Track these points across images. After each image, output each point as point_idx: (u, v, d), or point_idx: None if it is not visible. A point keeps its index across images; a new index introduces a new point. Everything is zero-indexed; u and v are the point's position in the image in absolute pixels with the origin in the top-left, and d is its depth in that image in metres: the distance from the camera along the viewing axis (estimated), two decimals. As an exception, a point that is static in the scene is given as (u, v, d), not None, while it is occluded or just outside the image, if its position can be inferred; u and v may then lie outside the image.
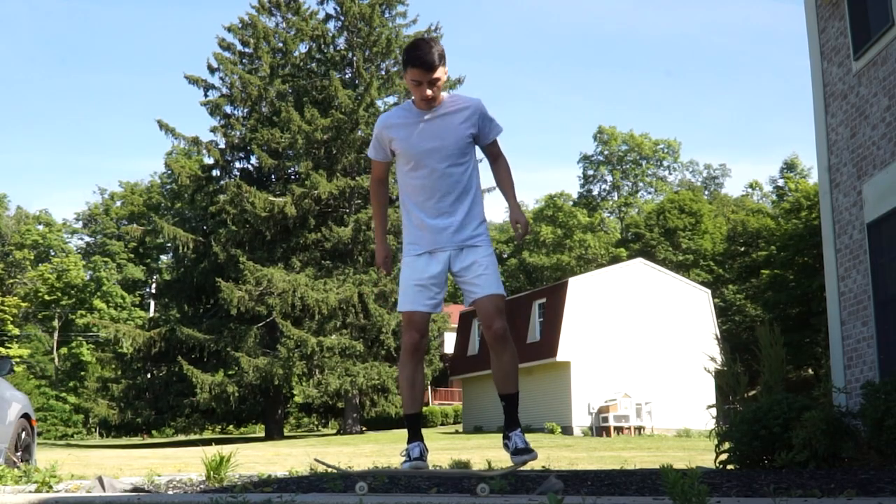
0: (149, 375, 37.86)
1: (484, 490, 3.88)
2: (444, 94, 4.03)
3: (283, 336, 31.96)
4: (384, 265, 4.36)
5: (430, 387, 43.53)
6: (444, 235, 4.01)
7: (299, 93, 36.38)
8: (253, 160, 37.21)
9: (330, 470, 4.62)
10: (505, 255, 64.83)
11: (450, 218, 4.01)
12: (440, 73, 3.91)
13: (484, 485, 3.91)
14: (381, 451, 18.64)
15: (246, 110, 37.09)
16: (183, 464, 11.69)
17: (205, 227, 37.52)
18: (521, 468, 4.27)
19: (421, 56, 3.86)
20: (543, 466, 7.82)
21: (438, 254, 4.04)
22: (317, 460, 4.66)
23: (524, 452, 3.96)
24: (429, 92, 3.88)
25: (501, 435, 4.18)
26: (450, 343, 39.35)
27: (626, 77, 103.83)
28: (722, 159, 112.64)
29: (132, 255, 63.81)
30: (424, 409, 44.00)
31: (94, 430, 54.13)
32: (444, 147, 3.97)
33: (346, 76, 36.40)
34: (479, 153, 4.16)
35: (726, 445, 7.15)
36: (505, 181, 4.19)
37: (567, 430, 30.02)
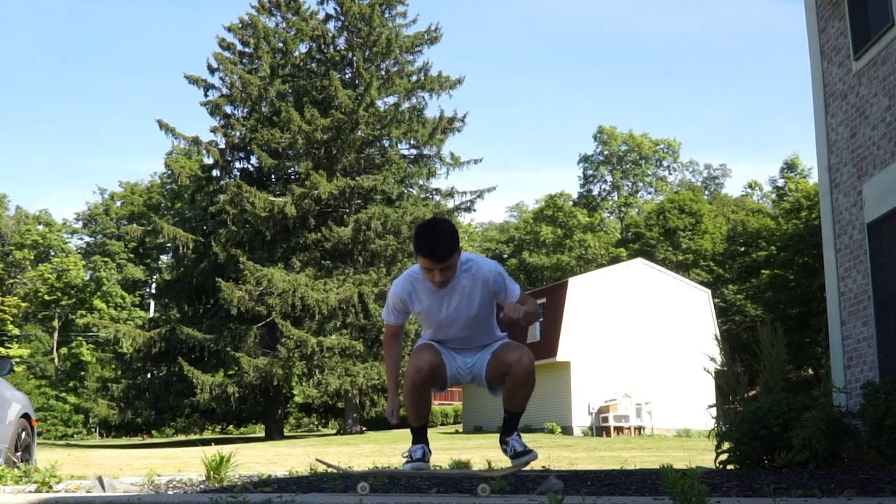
0: (149, 375, 37.87)
1: (485, 490, 3.89)
2: (461, 259, 3.95)
3: (283, 336, 31.96)
4: (392, 415, 4.30)
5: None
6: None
7: (299, 93, 36.38)
8: (253, 160, 37.21)
9: (331, 470, 4.63)
10: (505, 256, 64.86)
11: (470, 355, 4.17)
12: (452, 259, 3.82)
13: (485, 485, 3.93)
14: (381, 451, 18.65)
15: (246, 110, 37.09)
16: (183, 464, 11.69)
17: (205, 227, 37.52)
18: (523, 468, 4.29)
19: (431, 248, 3.77)
20: (543, 466, 7.82)
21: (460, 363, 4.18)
22: (318, 460, 4.66)
23: (524, 454, 3.99)
24: (439, 278, 3.85)
25: (499, 440, 4.22)
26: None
27: (626, 77, 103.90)
28: (722, 159, 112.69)
29: (132, 255, 63.80)
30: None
31: (94, 430, 54.13)
32: (460, 318, 4.01)
33: (346, 76, 36.40)
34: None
35: (726, 445, 7.15)
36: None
37: (567, 430, 30.02)
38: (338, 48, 37.02)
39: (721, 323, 40.89)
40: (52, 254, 63.11)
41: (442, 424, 42.39)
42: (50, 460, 6.05)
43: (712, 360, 8.37)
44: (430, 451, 4.19)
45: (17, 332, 57.02)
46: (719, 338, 9.08)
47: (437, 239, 3.77)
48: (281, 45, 37.32)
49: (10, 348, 52.93)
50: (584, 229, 61.51)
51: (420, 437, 4.19)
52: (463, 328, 4.04)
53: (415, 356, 4.01)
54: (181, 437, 42.90)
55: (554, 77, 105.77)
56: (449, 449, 17.05)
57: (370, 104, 34.30)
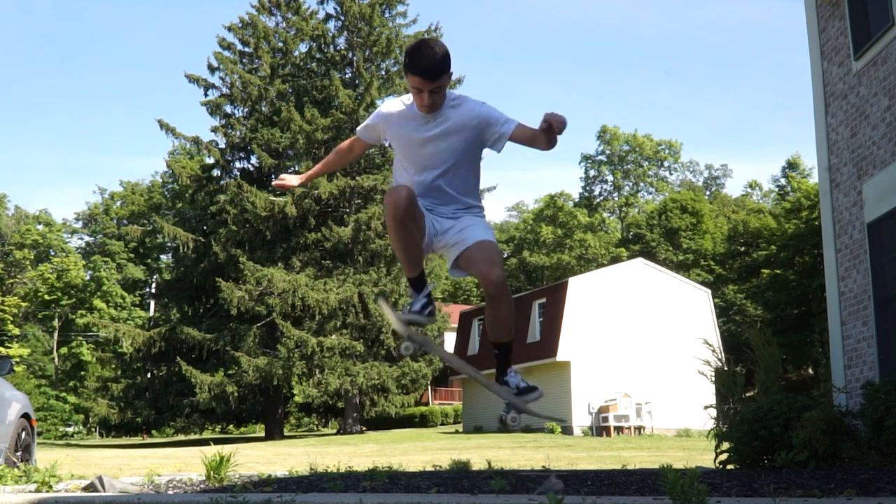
0: (149, 375, 37.87)
1: (515, 420, 3.86)
2: (449, 93, 3.78)
3: (283, 336, 31.96)
4: (282, 179, 4.26)
5: (430, 387, 43.50)
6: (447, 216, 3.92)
7: (299, 93, 36.39)
8: (253, 160, 37.22)
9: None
10: (505, 255, 64.86)
11: (441, 208, 3.91)
12: (443, 80, 3.65)
13: (515, 414, 3.89)
14: (382, 450, 18.67)
15: (246, 110, 37.10)
16: (183, 464, 11.69)
17: (205, 227, 37.53)
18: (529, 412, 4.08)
19: (422, 64, 3.61)
20: (543, 466, 7.82)
21: (438, 217, 3.92)
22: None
23: (529, 391, 3.88)
24: (428, 101, 3.67)
25: (494, 379, 4.06)
26: (450, 343, 39.34)
27: (625, 77, 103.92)
28: (722, 159, 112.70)
29: (132, 255, 63.81)
30: (424, 409, 44.07)
31: (94, 429, 54.13)
32: (440, 159, 3.80)
33: (347, 76, 36.40)
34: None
35: (726, 445, 7.15)
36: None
37: (567, 430, 30.01)
38: (338, 48, 37.03)
39: (722, 323, 40.92)
40: (52, 254, 63.11)
41: (442, 424, 42.40)
42: (50, 460, 6.05)
43: (707, 363, 8.37)
44: (432, 304, 3.96)
45: (17, 331, 57.02)
46: (712, 340, 9.08)
47: (430, 55, 3.61)
48: (281, 44, 37.33)
49: (10, 348, 52.92)
50: (585, 229, 61.54)
51: (418, 287, 3.95)
52: (442, 171, 3.81)
53: (389, 193, 3.75)
54: (181, 437, 42.90)
55: (553, 77, 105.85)
56: (449, 449, 17.06)
57: (370, 104, 34.29)
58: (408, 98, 3.83)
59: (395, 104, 3.88)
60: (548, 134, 3.59)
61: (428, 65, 3.60)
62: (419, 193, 3.86)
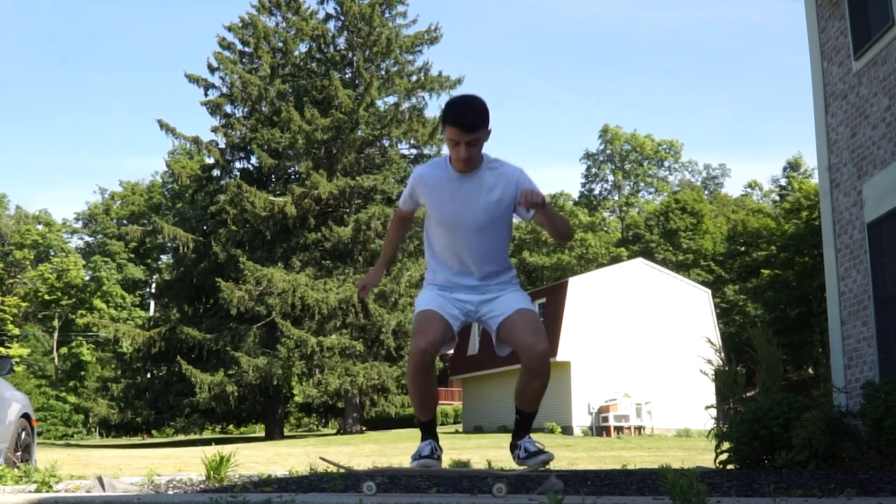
0: (149, 375, 37.87)
1: (501, 490, 3.75)
2: (487, 155, 3.76)
3: (283, 336, 31.97)
4: (363, 289, 4.17)
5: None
6: (467, 289, 3.90)
7: (299, 93, 36.39)
8: (253, 160, 37.23)
9: (336, 469, 4.59)
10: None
11: (475, 281, 3.88)
12: (480, 134, 3.61)
13: (500, 485, 3.78)
14: (382, 451, 18.66)
15: (246, 110, 37.10)
16: (183, 464, 11.69)
17: (205, 227, 37.53)
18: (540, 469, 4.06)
19: (460, 115, 3.59)
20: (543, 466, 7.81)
21: (465, 303, 3.90)
22: (322, 458, 4.64)
23: (537, 454, 3.84)
24: (464, 153, 3.61)
25: (510, 445, 4.03)
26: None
27: (625, 76, 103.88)
28: (721, 159, 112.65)
29: (132, 255, 63.82)
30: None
31: (94, 430, 54.15)
32: (473, 218, 3.76)
33: (347, 76, 36.41)
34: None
35: (726, 445, 7.15)
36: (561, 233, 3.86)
37: (567, 430, 30.02)
38: (338, 48, 37.03)
39: (722, 323, 40.92)
40: (52, 254, 63.12)
41: (442, 424, 42.41)
42: (50, 460, 6.05)
43: (709, 361, 8.37)
44: (439, 448, 3.98)
45: (17, 331, 57.02)
46: (714, 339, 9.09)
47: (468, 108, 3.62)
48: (281, 44, 37.33)
49: (10, 348, 52.93)
50: (585, 229, 61.56)
51: (428, 433, 3.98)
52: (473, 233, 3.77)
53: (414, 335, 3.76)
54: (181, 437, 42.90)
55: (553, 77, 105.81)
56: (449, 449, 17.04)
57: (370, 104, 34.31)
58: (441, 161, 3.83)
59: (429, 167, 3.88)
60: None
61: (466, 117, 3.59)
62: (447, 266, 3.89)
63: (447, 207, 3.79)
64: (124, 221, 63.88)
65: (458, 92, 47.95)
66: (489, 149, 3.79)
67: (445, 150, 3.97)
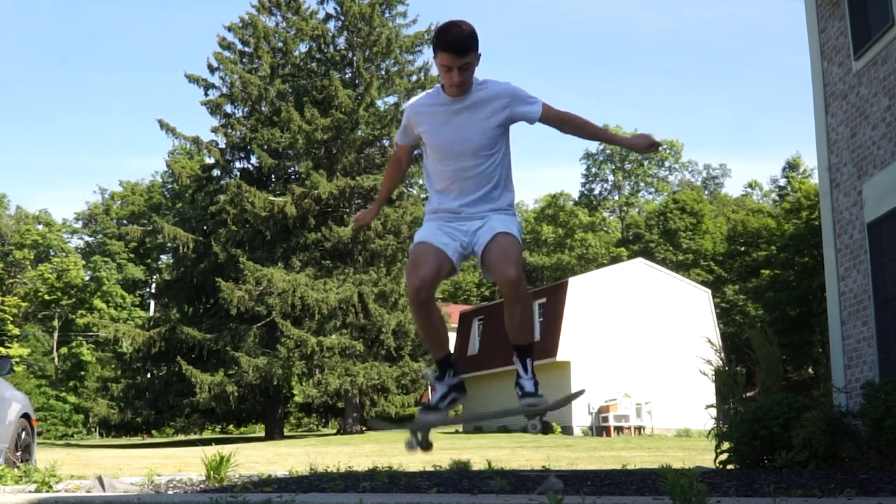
0: (149, 375, 37.86)
1: (535, 427, 3.79)
2: (475, 78, 3.77)
3: (283, 336, 31.95)
4: (357, 219, 4.24)
5: (430, 387, 43.55)
6: (471, 209, 3.86)
7: (299, 93, 36.38)
8: (253, 160, 37.21)
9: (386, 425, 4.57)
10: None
11: (472, 208, 3.84)
12: (471, 57, 3.66)
13: (535, 421, 3.79)
14: (382, 450, 18.66)
15: (246, 110, 37.09)
16: (183, 464, 11.69)
17: (205, 227, 37.52)
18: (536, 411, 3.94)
19: (451, 39, 3.62)
20: (543, 466, 7.82)
21: (465, 222, 3.86)
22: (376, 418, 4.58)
23: (530, 395, 3.78)
24: (457, 78, 3.65)
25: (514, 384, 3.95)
26: (449, 343, 39.42)
27: (625, 76, 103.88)
28: (721, 159, 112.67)
29: (132, 255, 63.82)
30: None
31: (94, 429, 54.13)
32: (469, 141, 3.77)
33: (347, 76, 36.40)
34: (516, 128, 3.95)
35: (726, 445, 7.15)
36: (589, 131, 3.93)
37: (567, 430, 30.02)
38: (338, 48, 37.02)
39: (723, 323, 40.92)
40: (52, 254, 63.12)
41: (442, 424, 42.34)
42: (50, 460, 6.05)
43: (708, 362, 8.37)
44: (454, 392, 3.94)
45: (17, 331, 57.03)
46: (714, 339, 9.11)
47: (458, 32, 3.65)
48: (281, 44, 37.32)
49: (10, 348, 52.93)
50: (585, 229, 61.55)
51: (443, 370, 3.94)
52: (471, 156, 3.77)
53: (408, 273, 3.77)
54: (181, 437, 42.90)
55: (553, 76, 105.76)
56: (449, 449, 17.04)
57: (370, 104, 34.30)
58: (433, 89, 3.86)
59: (422, 97, 3.91)
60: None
61: (456, 41, 3.63)
62: (446, 192, 3.85)
63: (443, 133, 3.80)
64: (124, 221, 63.88)
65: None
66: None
67: None
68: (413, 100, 3.94)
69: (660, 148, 3.78)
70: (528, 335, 3.87)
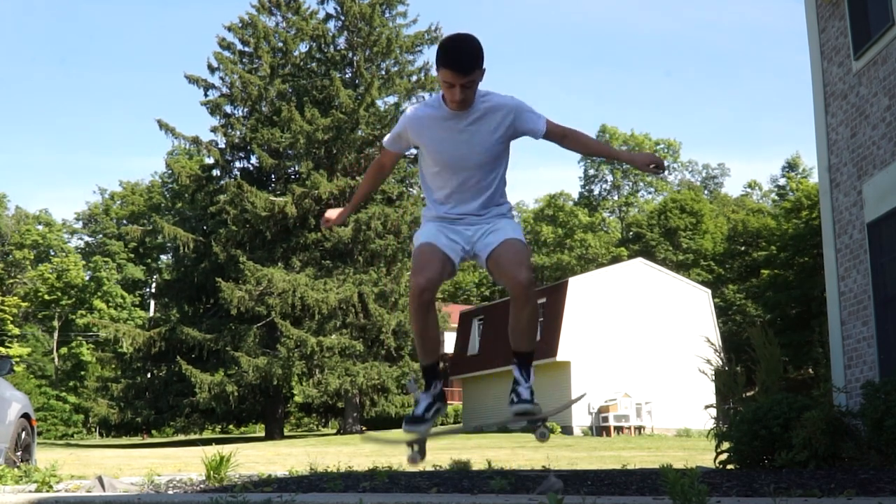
0: (149, 375, 37.85)
1: (543, 435, 3.71)
2: (478, 90, 3.68)
3: (283, 336, 31.95)
4: (328, 218, 4.10)
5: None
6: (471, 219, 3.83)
7: (300, 93, 36.38)
8: (253, 160, 37.21)
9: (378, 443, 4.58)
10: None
11: (473, 215, 3.82)
12: (475, 75, 3.54)
13: (543, 429, 3.73)
14: (381, 450, 18.64)
15: (246, 110, 37.08)
16: (183, 463, 11.69)
17: (205, 227, 37.51)
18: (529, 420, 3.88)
19: (454, 56, 3.49)
20: (543, 466, 7.82)
21: (464, 227, 3.83)
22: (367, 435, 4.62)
23: (524, 402, 3.71)
24: (459, 96, 3.54)
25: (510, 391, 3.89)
26: (450, 343, 39.36)
27: (625, 76, 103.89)
28: (721, 159, 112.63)
29: (132, 255, 63.83)
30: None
31: (94, 429, 54.14)
32: (474, 156, 3.71)
33: (347, 76, 36.39)
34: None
35: (726, 445, 7.15)
36: (590, 147, 3.96)
37: (567, 430, 30.02)
38: (338, 48, 37.01)
39: (722, 323, 40.90)
40: (52, 254, 63.12)
41: (442, 424, 42.40)
42: (50, 460, 6.05)
43: (708, 361, 8.37)
44: (439, 402, 3.84)
45: (17, 331, 57.03)
46: (714, 339, 9.11)
47: (462, 49, 3.50)
48: (281, 44, 37.31)
49: (10, 348, 52.94)
50: (585, 229, 61.54)
51: (429, 379, 3.86)
52: (474, 170, 3.73)
53: (413, 273, 3.69)
54: (181, 437, 42.90)
55: (553, 76, 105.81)
56: (449, 449, 17.03)
57: (371, 104, 34.30)
58: (433, 100, 3.75)
59: (421, 107, 3.79)
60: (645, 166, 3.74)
61: (460, 58, 3.50)
62: (445, 202, 3.83)
63: (445, 147, 3.72)
64: (124, 221, 63.89)
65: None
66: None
67: None
68: (412, 109, 3.82)
69: (662, 172, 3.70)
70: (532, 341, 3.84)
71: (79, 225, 68.80)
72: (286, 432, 41.41)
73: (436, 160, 3.78)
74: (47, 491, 4.88)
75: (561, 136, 3.82)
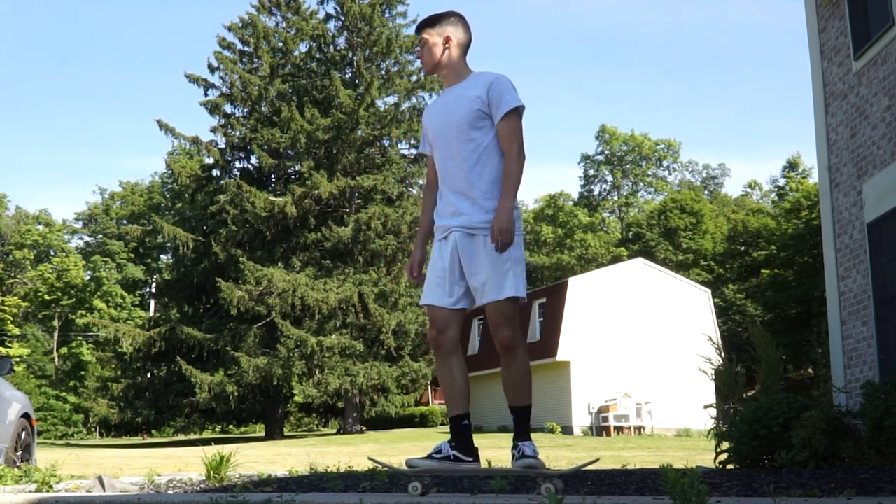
0: (149, 375, 37.84)
1: (549, 490, 3.60)
2: (471, 70, 3.97)
3: (283, 336, 31.94)
4: (410, 270, 4.06)
5: (430, 386, 43.52)
6: (452, 216, 3.81)
7: (299, 92, 36.38)
8: (253, 160, 37.20)
9: (383, 468, 4.54)
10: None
11: (463, 199, 3.78)
12: (428, 34, 3.91)
13: (549, 485, 3.66)
14: (382, 450, 18.65)
15: (246, 110, 37.07)
16: (183, 463, 11.69)
17: (205, 227, 37.50)
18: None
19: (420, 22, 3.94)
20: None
21: (450, 238, 3.80)
22: (370, 458, 4.59)
23: (528, 457, 3.73)
24: (419, 54, 3.93)
25: (512, 446, 3.92)
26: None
27: (625, 76, 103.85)
28: (721, 159, 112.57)
29: (132, 255, 63.84)
30: (424, 408, 44.02)
31: (94, 429, 54.15)
32: (453, 119, 3.79)
33: (347, 76, 36.39)
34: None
35: (726, 445, 7.15)
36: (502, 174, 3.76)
37: (567, 430, 30.03)
38: (338, 48, 37.01)
39: (721, 323, 40.90)
40: (52, 254, 63.13)
41: (442, 424, 42.38)
42: (50, 460, 6.05)
43: (709, 360, 8.36)
44: (460, 454, 3.78)
45: (17, 331, 57.03)
46: (714, 338, 9.11)
47: (430, 15, 3.97)
48: (281, 44, 37.31)
49: (10, 348, 52.94)
50: (585, 229, 61.53)
51: (455, 436, 3.84)
52: (451, 135, 3.78)
53: (430, 325, 3.88)
54: (181, 437, 42.90)
55: (553, 76, 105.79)
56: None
57: (371, 104, 34.29)
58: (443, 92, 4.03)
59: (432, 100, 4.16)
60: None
61: (421, 20, 3.96)
62: (440, 198, 3.91)
63: (435, 122, 3.92)
64: (124, 221, 63.90)
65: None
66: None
67: None
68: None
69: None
70: (525, 396, 3.83)
71: (79, 225, 68.86)
72: (286, 432, 41.42)
73: (432, 140, 3.96)
74: (47, 491, 4.88)
75: (501, 139, 3.78)
